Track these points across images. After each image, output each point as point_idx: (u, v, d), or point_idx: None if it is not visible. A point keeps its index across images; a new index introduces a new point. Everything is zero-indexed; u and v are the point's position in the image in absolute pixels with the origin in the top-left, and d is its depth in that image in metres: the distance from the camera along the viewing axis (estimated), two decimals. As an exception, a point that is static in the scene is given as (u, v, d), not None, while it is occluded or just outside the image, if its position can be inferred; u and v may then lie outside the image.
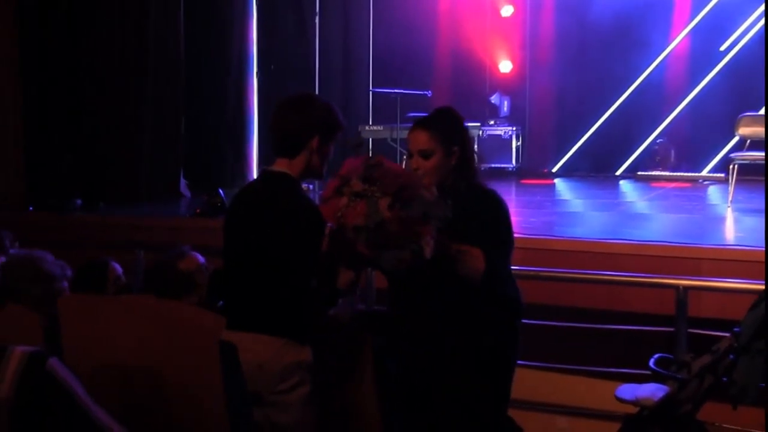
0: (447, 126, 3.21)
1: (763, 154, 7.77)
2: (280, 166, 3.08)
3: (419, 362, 3.14)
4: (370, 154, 11.64)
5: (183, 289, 3.37)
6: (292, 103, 3.12)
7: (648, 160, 11.25)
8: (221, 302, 3.36)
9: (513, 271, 3.29)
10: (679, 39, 11.36)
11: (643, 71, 11.40)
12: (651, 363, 3.72)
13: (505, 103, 11.98)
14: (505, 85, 12.13)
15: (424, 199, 2.86)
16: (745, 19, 10.87)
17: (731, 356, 3.43)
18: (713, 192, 9.71)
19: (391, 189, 2.81)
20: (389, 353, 3.23)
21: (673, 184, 10.40)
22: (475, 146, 3.31)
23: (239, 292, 3.08)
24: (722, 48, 10.95)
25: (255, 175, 10.22)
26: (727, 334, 3.58)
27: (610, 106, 11.56)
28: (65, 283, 3.42)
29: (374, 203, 2.79)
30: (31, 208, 7.92)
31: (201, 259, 3.51)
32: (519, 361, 3.30)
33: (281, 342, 2.97)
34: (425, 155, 3.14)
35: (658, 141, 11.26)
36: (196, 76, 9.87)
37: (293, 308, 2.97)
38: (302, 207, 2.98)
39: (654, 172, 10.98)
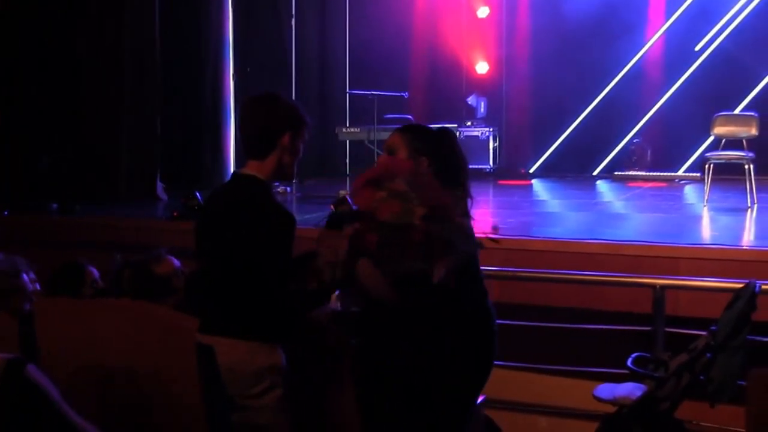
0: (420, 134, 3.25)
1: (738, 153, 7.84)
2: (251, 168, 3.07)
3: (386, 368, 3.12)
4: (347, 157, 11.52)
5: (159, 293, 3.36)
6: (258, 102, 3.11)
7: (624, 160, 11.32)
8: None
9: (492, 272, 3.29)
10: (654, 39, 11.44)
11: (620, 71, 11.48)
12: (629, 362, 3.73)
13: (482, 104, 12.01)
14: (481, 86, 12.17)
15: (457, 227, 2.88)
16: (720, 18, 10.96)
17: (708, 354, 3.45)
18: (689, 191, 9.78)
19: (430, 202, 2.83)
20: (365, 354, 3.22)
21: (650, 184, 10.46)
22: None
23: (210, 295, 3.06)
24: (697, 48, 11.04)
25: (232, 177, 10.19)
26: (704, 333, 3.60)
27: (586, 107, 11.63)
28: (24, 277, 3.39)
29: (410, 208, 2.80)
30: (6, 213, 7.84)
31: (177, 263, 3.50)
32: (498, 362, 3.29)
33: (251, 345, 2.95)
34: (390, 150, 3.19)
35: (634, 141, 11.33)
36: (172, 77, 9.82)
37: (263, 312, 2.95)
38: (271, 211, 2.97)
39: (630, 172, 11.05)
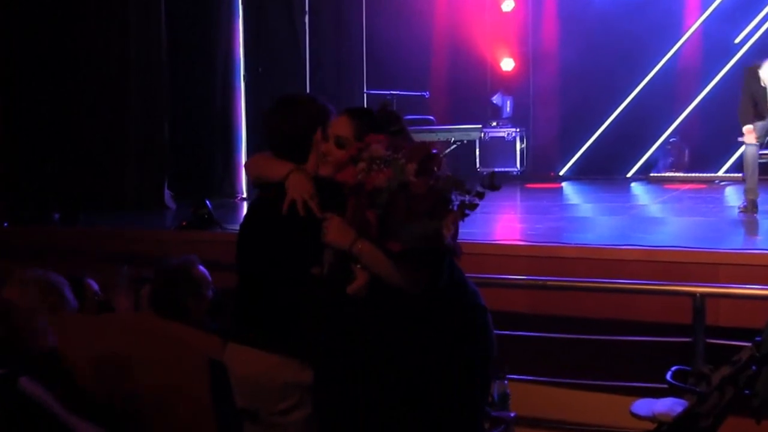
0: (377, 125, 3.06)
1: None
2: None
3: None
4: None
5: (191, 299, 3.54)
6: (283, 106, 3.19)
7: (660, 160, 11.27)
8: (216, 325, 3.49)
9: (519, 281, 3.25)
10: (691, 31, 11.39)
11: (655, 65, 11.42)
12: (668, 376, 3.71)
13: (508, 103, 12.00)
14: (507, 84, 12.16)
15: (453, 178, 2.83)
16: (762, 8, 10.89)
17: (753, 367, 3.43)
18: (730, 193, 9.71)
19: (417, 156, 2.79)
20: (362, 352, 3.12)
21: (688, 186, 10.40)
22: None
23: (244, 305, 3.16)
24: (737, 40, 10.97)
25: (245, 184, 10.25)
26: (747, 344, 3.57)
27: (619, 104, 11.58)
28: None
29: (400, 166, 2.76)
30: (6, 224, 7.91)
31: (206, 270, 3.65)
32: (527, 377, 3.28)
33: (280, 359, 3.01)
34: (339, 143, 3.05)
35: (670, 140, 11.28)
36: (180, 79, 9.88)
37: (295, 324, 3.01)
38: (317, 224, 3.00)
39: (667, 174, 11.00)
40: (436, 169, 2.83)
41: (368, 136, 2.93)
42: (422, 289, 2.87)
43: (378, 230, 2.78)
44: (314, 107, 3.18)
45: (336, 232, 2.86)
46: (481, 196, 2.83)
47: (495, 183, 2.89)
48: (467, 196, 2.83)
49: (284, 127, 3.15)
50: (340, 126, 3.08)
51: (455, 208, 2.82)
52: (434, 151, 2.87)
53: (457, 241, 2.89)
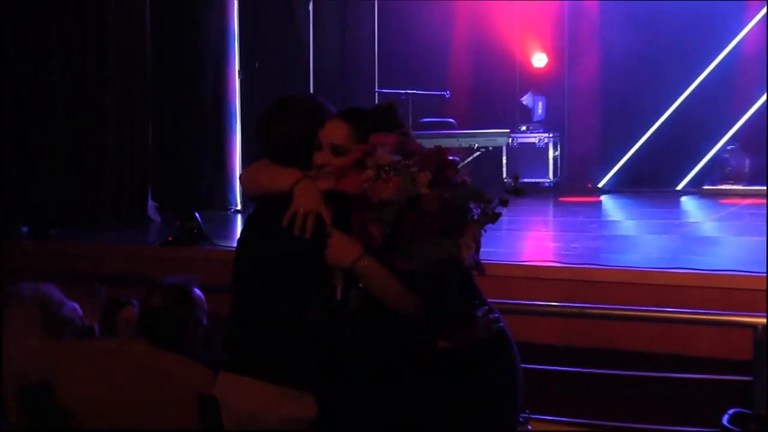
0: (377, 127, 3.05)
1: None
2: None
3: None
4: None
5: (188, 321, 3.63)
6: (281, 107, 3.22)
7: (716, 171, 11.24)
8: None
9: (553, 308, 3.24)
10: (751, 25, 11.37)
11: (709, 63, 11.40)
12: (725, 420, 3.70)
13: (540, 104, 12.00)
14: (539, 83, 12.17)
15: (471, 188, 2.81)
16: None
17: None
18: (797, 209, 9.67)
19: (431, 164, 2.77)
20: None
21: (748, 201, 10.37)
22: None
23: (240, 330, 3.17)
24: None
25: (237, 195, 10.26)
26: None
27: (668, 106, 11.58)
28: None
29: (410, 176, 2.74)
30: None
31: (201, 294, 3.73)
32: (558, 418, 3.26)
33: (279, 390, 3.01)
34: (337, 152, 3.04)
35: (728, 148, 11.25)
36: (166, 77, 9.90)
37: (297, 352, 3.02)
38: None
39: (723, 186, 10.97)
40: (452, 178, 2.81)
41: (374, 135, 2.92)
42: (426, 314, 2.84)
43: (384, 247, 2.77)
44: (315, 108, 3.20)
45: (337, 248, 2.86)
46: (505, 203, 2.81)
47: (519, 187, 2.88)
48: (488, 204, 2.81)
49: (282, 131, 3.17)
50: (335, 132, 3.07)
51: (475, 218, 2.80)
52: (451, 157, 2.86)
53: (479, 258, 2.88)
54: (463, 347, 2.94)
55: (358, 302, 2.86)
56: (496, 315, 3.07)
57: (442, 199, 2.74)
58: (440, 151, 2.87)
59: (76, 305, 3.99)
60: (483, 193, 2.82)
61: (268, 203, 3.18)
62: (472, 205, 2.81)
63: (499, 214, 2.83)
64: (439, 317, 2.89)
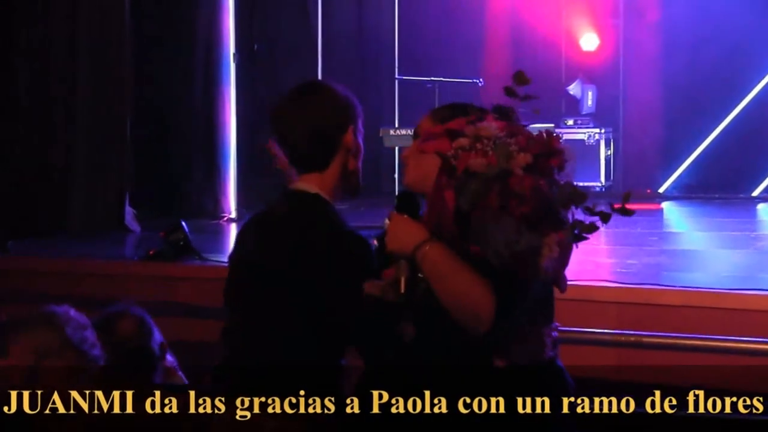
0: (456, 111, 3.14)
1: None
2: (308, 182, 3.21)
3: None
4: (396, 170, 11.50)
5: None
6: (300, 95, 3.26)
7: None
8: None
9: (605, 336, 3.23)
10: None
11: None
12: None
13: (590, 94, 11.99)
14: (589, 70, 12.16)
15: (575, 188, 2.86)
16: None
17: None
18: None
19: (536, 148, 2.82)
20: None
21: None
22: None
23: (243, 352, 3.19)
24: None
25: (232, 201, 10.26)
26: None
27: (740, 100, 11.57)
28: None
29: (506, 151, 2.79)
30: None
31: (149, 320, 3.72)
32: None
33: (285, 421, 3.01)
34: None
35: (812, 148, 11.24)
36: (148, 62, 9.93)
37: (322, 378, 3.07)
38: (350, 241, 3.10)
39: (808, 193, 10.97)
40: (556, 170, 2.87)
41: (485, 116, 2.98)
42: (494, 319, 2.82)
43: (456, 224, 2.80)
44: (339, 97, 3.26)
45: (399, 232, 2.90)
46: (606, 218, 2.87)
47: (627, 208, 2.91)
48: (588, 212, 2.87)
49: (304, 123, 3.20)
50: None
51: (567, 226, 2.84)
52: (562, 146, 2.90)
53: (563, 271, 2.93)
54: (521, 367, 2.95)
55: (425, 294, 2.85)
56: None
57: (534, 186, 2.77)
58: (550, 137, 2.91)
59: None
60: (586, 198, 2.87)
61: (295, 202, 3.22)
62: (571, 211, 2.87)
63: (597, 228, 2.87)
64: (505, 328, 2.87)
